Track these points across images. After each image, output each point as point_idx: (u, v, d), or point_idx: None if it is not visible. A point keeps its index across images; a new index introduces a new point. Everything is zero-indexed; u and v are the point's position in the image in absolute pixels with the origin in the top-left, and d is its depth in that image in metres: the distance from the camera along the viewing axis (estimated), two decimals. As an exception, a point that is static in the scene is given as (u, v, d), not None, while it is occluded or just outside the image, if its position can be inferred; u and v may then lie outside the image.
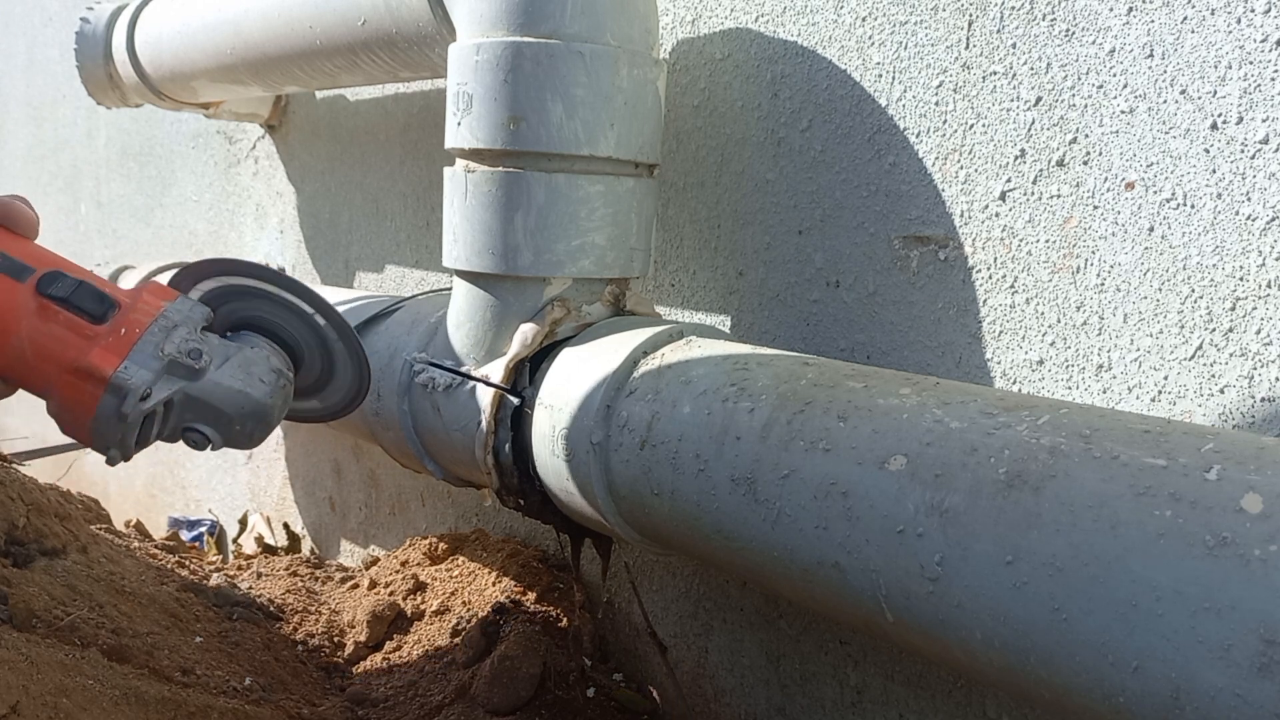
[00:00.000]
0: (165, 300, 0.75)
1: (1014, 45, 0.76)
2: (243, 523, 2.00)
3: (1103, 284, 0.72)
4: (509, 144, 0.85)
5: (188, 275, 0.78)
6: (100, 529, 1.38)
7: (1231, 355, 0.66)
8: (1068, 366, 0.75)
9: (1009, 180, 0.78)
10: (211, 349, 0.74)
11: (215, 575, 1.44)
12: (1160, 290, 0.69)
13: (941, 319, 0.83)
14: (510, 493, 0.91)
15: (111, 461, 0.74)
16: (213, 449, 0.75)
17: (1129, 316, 0.71)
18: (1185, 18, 0.67)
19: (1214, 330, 0.67)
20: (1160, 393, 0.70)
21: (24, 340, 0.70)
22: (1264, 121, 0.63)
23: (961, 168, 0.81)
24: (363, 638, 1.26)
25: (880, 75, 0.86)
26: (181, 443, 0.76)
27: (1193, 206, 0.67)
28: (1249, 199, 0.64)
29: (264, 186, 1.92)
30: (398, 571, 1.37)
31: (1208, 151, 0.66)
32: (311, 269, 1.80)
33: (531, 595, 1.22)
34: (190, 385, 0.72)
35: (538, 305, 0.89)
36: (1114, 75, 0.71)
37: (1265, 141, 0.64)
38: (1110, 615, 0.47)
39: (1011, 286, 0.78)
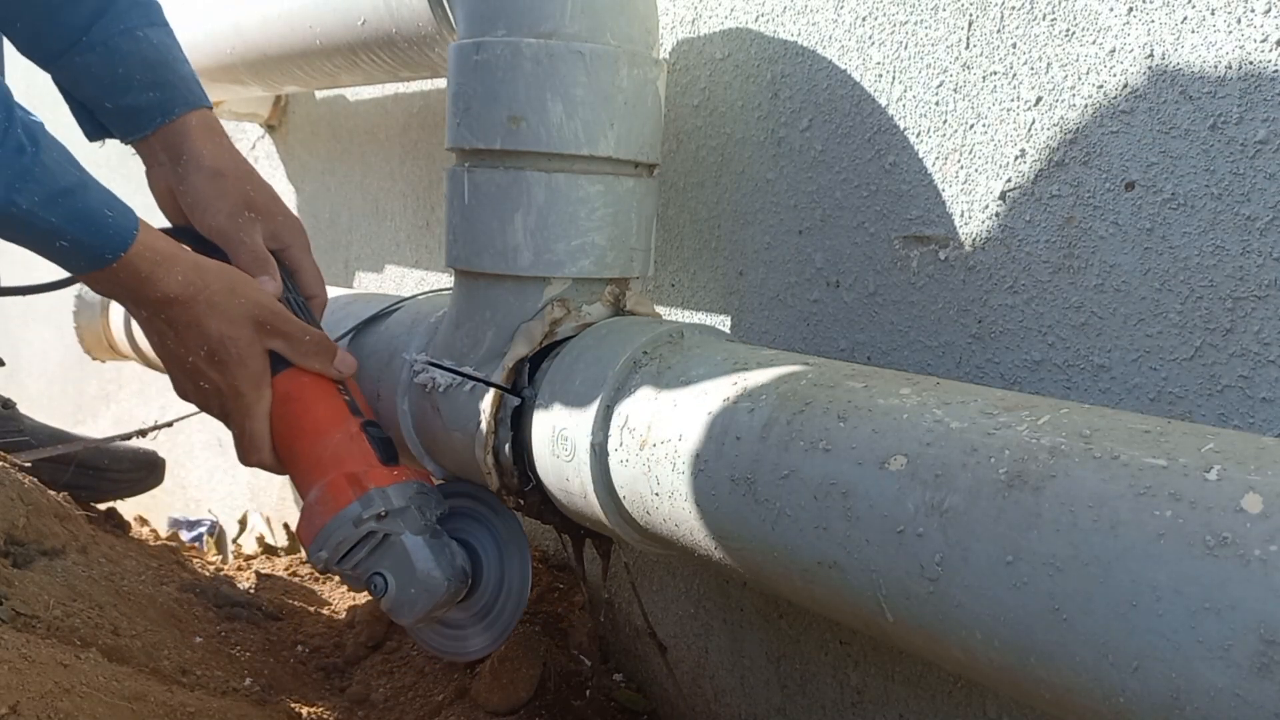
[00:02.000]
0: (429, 482, 0.95)
1: (1014, 45, 0.76)
2: (243, 523, 2.00)
3: (1102, 284, 0.72)
4: (509, 144, 0.85)
5: (448, 484, 0.99)
6: (96, 530, 1.38)
7: (1231, 356, 0.66)
8: (1067, 367, 0.75)
9: (1009, 180, 0.78)
10: (432, 522, 0.92)
11: (215, 575, 1.44)
12: (1160, 291, 0.69)
13: (941, 319, 0.83)
14: (510, 493, 0.91)
15: (317, 563, 0.90)
16: (384, 601, 0.90)
17: (1128, 317, 0.71)
18: (1185, 18, 0.67)
19: (1213, 330, 0.67)
20: (1160, 393, 0.70)
21: (330, 444, 0.92)
22: (1264, 121, 0.63)
23: (961, 168, 0.81)
24: (362, 638, 1.26)
25: (880, 75, 0.86)
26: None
27: (1192, 207, 0.67)
28: (1249, 199, 0.64)
29: (264, 186, 1.92)
30: (398, 571, 1.36)
31: (1207, 152, 0.66)
32: (311, 269, 1.80)
33: (531, 595, 1.22)
34: (406, 535, 0.89)
35: (538, 305, 0.89)
36: (1114, 75, 0.71)
37: (1265, 142, 0.64)
38: (1110, 615, 0.47)
39: (1011, 287, 0.78)
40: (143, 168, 1.02)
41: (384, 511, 0.89)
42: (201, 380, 0.92)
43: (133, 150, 1.02)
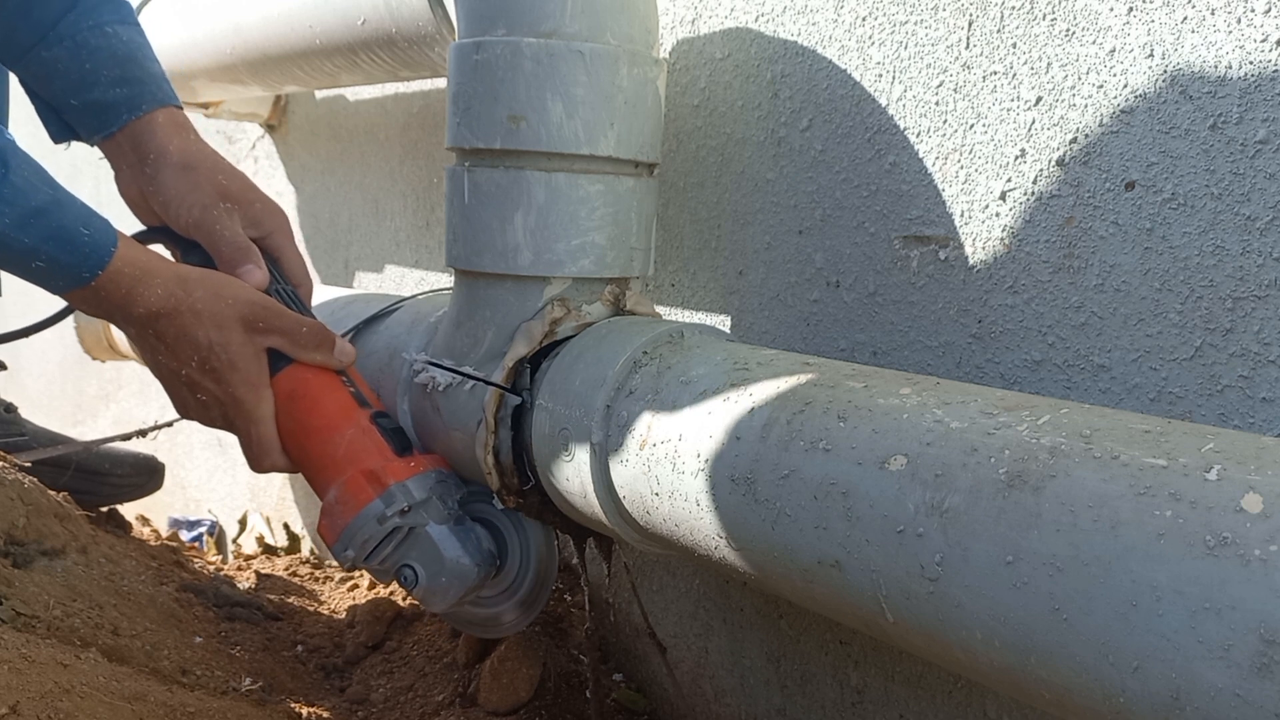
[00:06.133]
0: (445, 468, 0.95)
1: (1014, 45, 0.76)
2: (243, 523, 2.00)
3: (1102, 284, 0.72)
4: (509, 143, 0.85)
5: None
6: (96, 530, 1.37)
7: (1231, 356, 0.66)
8: (1067, 367, 0.75)
9: (1009, 180, 0.78)
10: (454, 509, 0.92)
11: (215, 575, 1.44)
12: (1160, 291, 0.69)
13: (941, 319, 0.83)
14: (510, 493, 0.91)
15: (344, 561, 0.89)
16: (415, 592, 0.90)
17: (1128, 317, 0.71)
18: (1185, 18, 0.67)
19: (1213, 330, 0.67)
20: (1160, 393, 0.70)
21: (343, 440, 0.90)
22: (1264, 121, 0.63)
23: (961, 168, 0.81)
24: (362, 638, 1.26)
25: (880, 75, 0.86)
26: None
27: (1192, 207, 0.67)
28: (1249, 199, 0.64)
29: (263, 186, 1.92)
30: (397, 571, 1.36)
31: (1207, 152, 0.66)
32: (311, 269, 1.80)
33: (531, 595, 1.22)
34: (431, 526, 0.89)
35: (538, 305, 0.89)
36: (1114, 75, 0.71)
37: (1265, 142, 0.64)
38: (1110, 615, 0.47)
39: (1011, 287, 0.78)
40: None
41: (407, 506, 0.88)
42: (199, 393, 0.90)
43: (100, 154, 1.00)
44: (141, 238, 0.97)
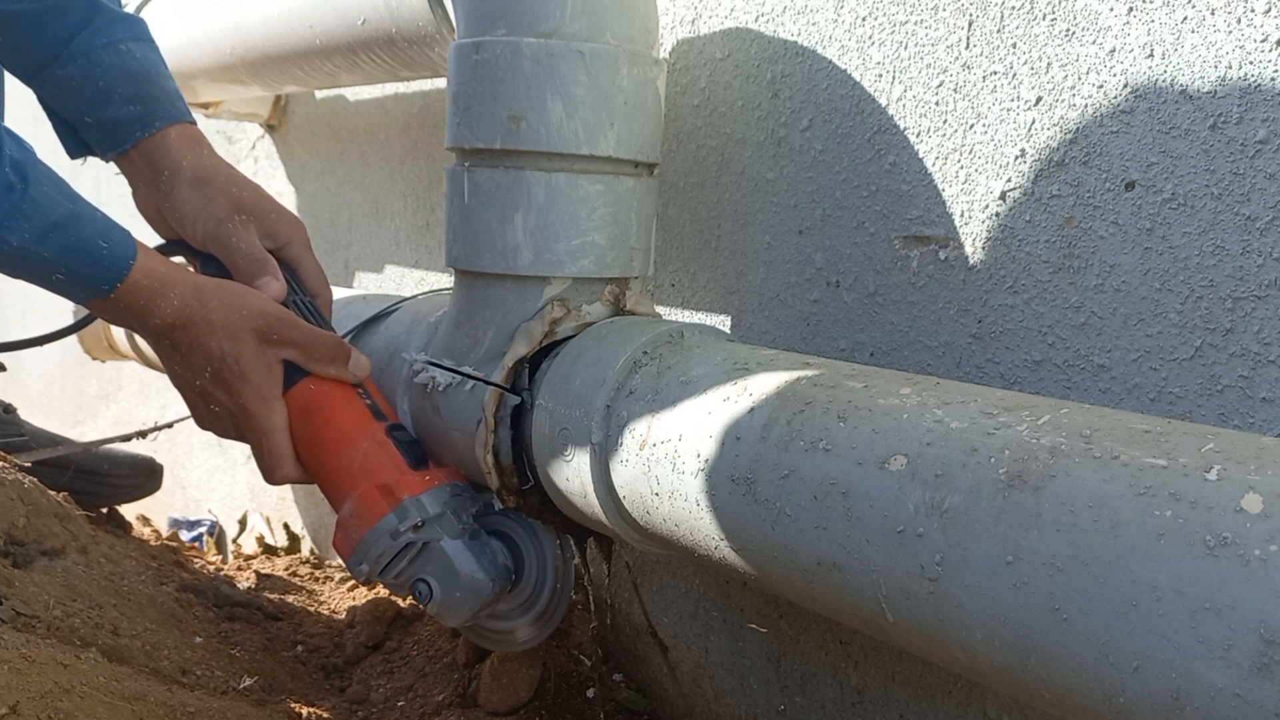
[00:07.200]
0: (461, 481, 0.94)
1: (1014, 45, 0.76)
2: (243, 523, 2.00)
3: (1102, 284, 0.72)
4: (509, 143, 0.85)
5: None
6: (96, 530, 1.38)
7: (1231, 356, 0.66)
8: (1067, 367, 0.75)
9: (1009, 180, 0.78)
10: (469, 523, 0.92)
11: (215, 575, 1.44)
12: (1160, 291, 0.69)
13: (941, 319, 0.83)
14: (510, 493, 0.91)
15: (359, 575, 0.89)
16: (430, 606, 0.90)
17: (1128, 317, 0.71)
18: (1185, 18, 0.67)
19: (1213, 330, 0.67)
20: (1160, 393, 0.70)
21: (358, 453, 0.90)
22: (1264, 122, 0.63)
23: (961, 168, 0.81)
24: (362, 638, 1.26)
25: (880, 75, 0.86)
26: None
27: (1192, 207, 0.67)
28: (1249, 199, 0.64)
29: (263, 186, 1.92)
30: (397, 571, 1.36)
31: (1207, 152, 0.66)
32: (311, 269, 1.80)
33: (531, 595, 1.22)
34: (445, 541, 0.89)
35: (538, 305, 0.89)
36: (1114, 75, 0.71)
37: (1265, 142, 0.64)
38: (1110, 615, 0.47)
39: (1011, 287, 0.78)
40: None
41: (420, 521, 0.88)
42: (212, 404, 0.90)
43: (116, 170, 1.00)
44: (161, 251, 0.97)
